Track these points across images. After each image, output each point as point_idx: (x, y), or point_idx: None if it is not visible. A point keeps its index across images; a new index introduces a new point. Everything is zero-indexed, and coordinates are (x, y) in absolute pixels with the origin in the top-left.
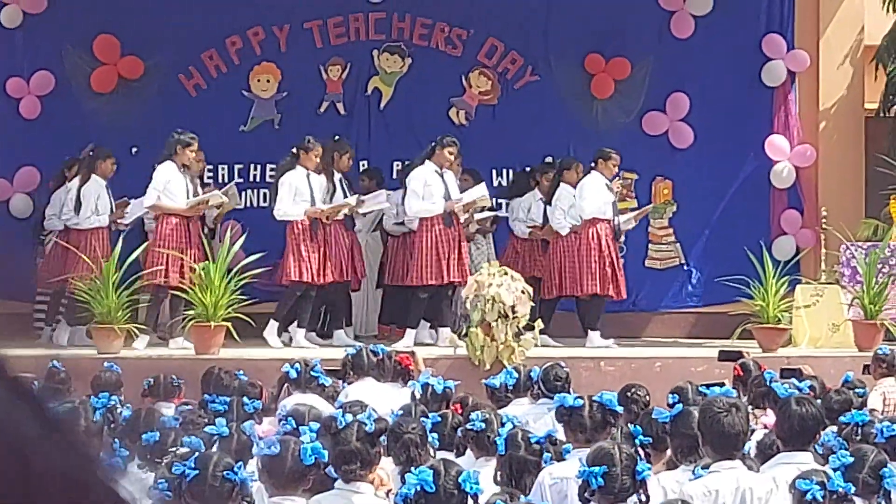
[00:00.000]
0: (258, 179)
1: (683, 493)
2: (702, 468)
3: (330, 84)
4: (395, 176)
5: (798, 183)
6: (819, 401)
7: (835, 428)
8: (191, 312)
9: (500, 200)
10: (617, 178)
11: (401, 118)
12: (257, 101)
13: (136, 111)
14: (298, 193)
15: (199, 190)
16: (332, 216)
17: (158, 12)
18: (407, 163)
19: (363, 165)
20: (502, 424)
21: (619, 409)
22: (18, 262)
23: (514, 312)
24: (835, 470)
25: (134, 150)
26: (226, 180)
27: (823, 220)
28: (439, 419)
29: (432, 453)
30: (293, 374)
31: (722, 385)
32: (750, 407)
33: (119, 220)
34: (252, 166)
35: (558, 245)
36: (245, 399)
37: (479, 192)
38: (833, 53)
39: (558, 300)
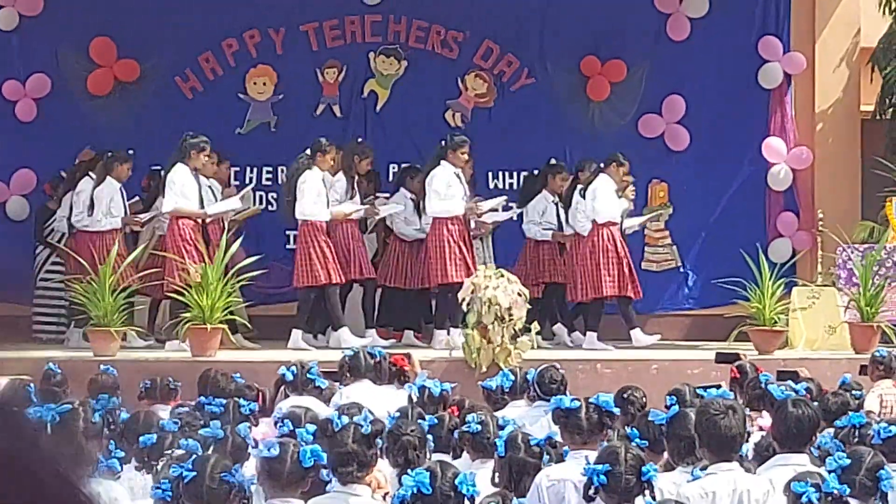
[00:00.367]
0: (255, 182)
1: (680, 494)
2: (700, 470)
3: (326, 86)
4: (390, 179)
5: (794, 185)
6: (816, 403)
7: (831, 430)
8: (187, 315)
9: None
10: (631, 187)
11: (397, 121)
12: (253, 104)
13: (132, 114)
14: (319, 194)
15: (214, 195)
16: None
17: (155, 15)
18: (404, 165)
19: None
20: (501, 427)
21: (616, 410)
22: (16, 264)
23: (510, 315)
24: (831, 472)
25: (130, 152)
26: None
27: (820, 223)
28: (436, 421)
29: (428, 455)
30: (289, 377)
31: (719, 387)
32: (746, 409)
33: (134, 223)
34: (248, 169)
35: (580, 248)
36: (241, 401)
37: (500, 200)
38: (829, 56)
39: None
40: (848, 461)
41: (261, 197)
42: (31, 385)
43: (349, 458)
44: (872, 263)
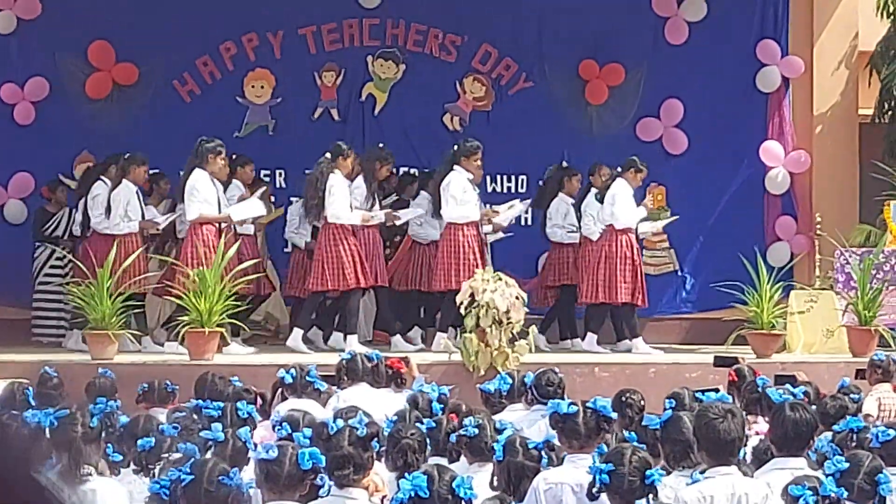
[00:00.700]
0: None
1: (678, 498)
2: (699, 473)
3: (324, 90)
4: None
5: (792, 189)
6: (814, 406)
7: (829, 434)
8: (185, 318)
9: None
10: (649, 196)
11: (395, 124)
12: (251, 108)
13: (130, 117)
14: (346, 198)
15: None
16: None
17: (153, 18)
18: (403, 170)
19: None
20: (499, 430)
21: (614, 415)
22: (14, 267)
23: (508, 318)
24: (829, 475)
25: (127, 156)
26: None
27: (818, 226)
28: (434, 425)
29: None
30: (288, 380)
31: (717, 391)
32: (744, 413)
33: (151, 226)
34: None
35: (592, 251)
36: (239, 405)
37: (519, 208)
38: (827, 59)
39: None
40: (846, 465)
41: None
42: (30, 388)
43: (345, 461)
44: (870, 267)
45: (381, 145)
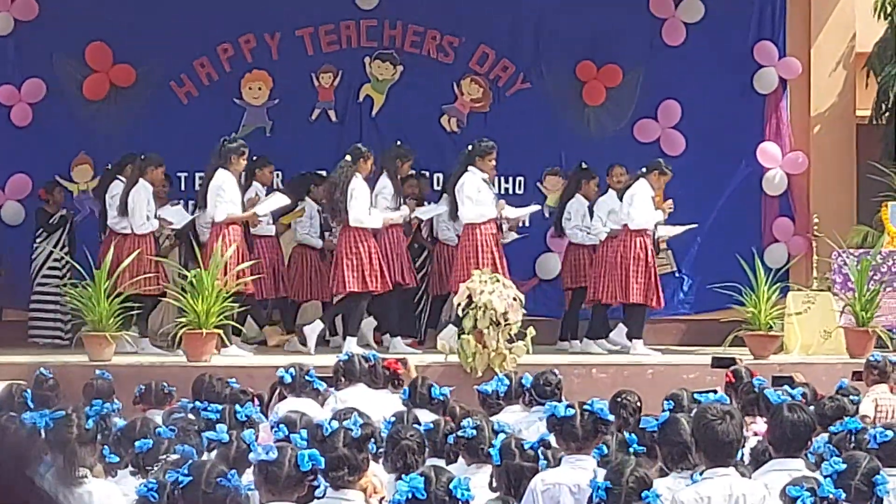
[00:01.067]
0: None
1: (676, 500)
2: (698, 474)
3: (322, 91)
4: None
5: (790, 190)
6: (811, 407)
7: (826, 435)
8: (182, 320)
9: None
10: (669, 202)
11: (392, 125)
12: (249, 109)
13: (127, 119)
14: (367, 201)
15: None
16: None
17: (150, 20)
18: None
19: None
20: (496, 431)
21: (611, 417)
22: (12, 268)
23: (505, 319)
24: (826, 476)
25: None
26: None
27: (815, 228)
28: (431, 426)
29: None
30: (287, 379)
31: (715, 392)
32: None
33: (167, 226)
34: None
35: (606, 251)
36: (237, 407)
37: (531, 210)
38: (825, 60)
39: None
40: (844, 466)
41: None
42: (28, 390)
43: (340, 463)
44: (868, 268)
45: (398, 143)
